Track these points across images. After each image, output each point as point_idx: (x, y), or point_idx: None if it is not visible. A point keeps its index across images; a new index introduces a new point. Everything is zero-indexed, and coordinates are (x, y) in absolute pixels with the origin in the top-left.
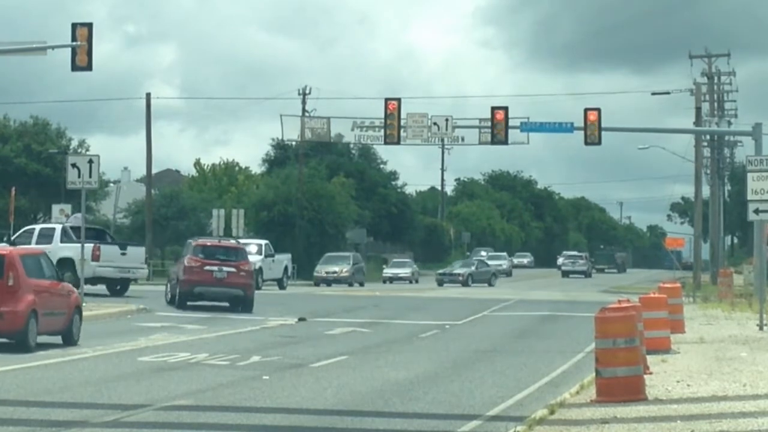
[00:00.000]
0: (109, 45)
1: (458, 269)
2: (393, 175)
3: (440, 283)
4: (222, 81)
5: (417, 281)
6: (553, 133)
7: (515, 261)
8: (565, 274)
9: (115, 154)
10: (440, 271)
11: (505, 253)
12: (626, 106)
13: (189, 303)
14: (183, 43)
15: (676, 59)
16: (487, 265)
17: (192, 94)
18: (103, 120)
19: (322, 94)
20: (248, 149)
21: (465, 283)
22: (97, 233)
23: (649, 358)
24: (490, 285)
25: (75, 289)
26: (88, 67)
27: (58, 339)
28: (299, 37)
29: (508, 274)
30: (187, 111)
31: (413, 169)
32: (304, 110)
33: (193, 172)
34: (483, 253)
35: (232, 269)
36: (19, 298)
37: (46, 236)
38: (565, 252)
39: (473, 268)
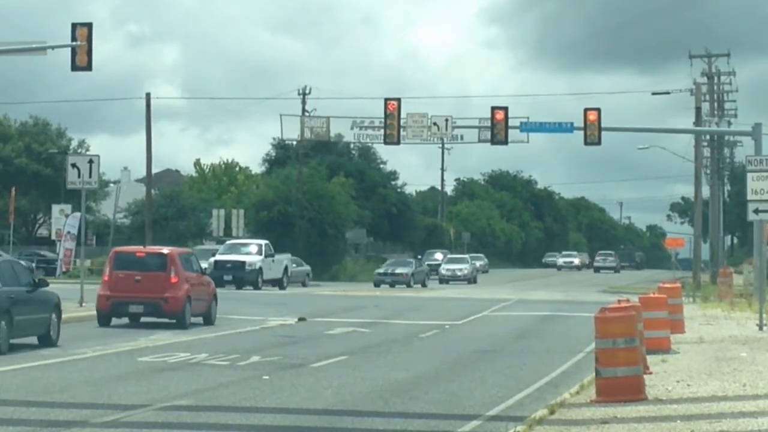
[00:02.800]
0: (112, 45)
1: (400, 269)
2: (393, 175)
3: (377, 284)
4: (225, 81)
5: (305, 284)
6: (553, 133)
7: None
8: (597, 269)
9: (117, 154)
10: (379, 270)
11: (467, 256)
12: (631, 105)
13: None
14: (186, 43)
15: (682, 59)
16: (422, 266)
17: (194, 94)
18: (104, 120)
19: (325, 93)
20: (250, 149)
21: (408, 284)
22: None
23: (649, 358)
24: (424, 286)
25: (212, 281)
26: (88, 67)
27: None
28: (303, 36)
29: (470, 280)
30: (189, 111)
31: (414, 169)
32: (303, 110)
33: (193, 172)
34: (438, 256)
35: None
36: (178, 287)
37: None
38: (564, 251)
39: (413, 267)
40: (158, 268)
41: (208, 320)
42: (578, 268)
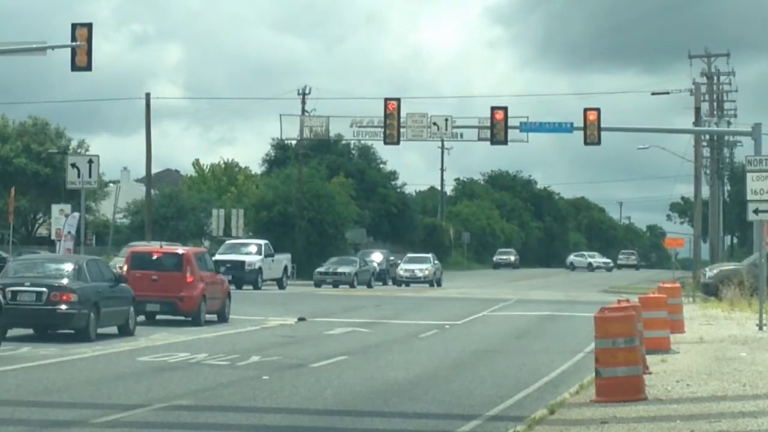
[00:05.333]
0: (114, 44)
1: (342, 268)
2: (393, 175)
3: (318, 284)
4: (229, 80)
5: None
6: (554, 133)
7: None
8: (620, 266)
9: (119, 154)
10: (320, 269)
11: (430, 255)
12: (634, 105)
13: None
14: (189, 43)
15: (686, 58)
16: (367, 265)
17: (198, 94)
18: (106, 120)
19: (330, 93)
20: (252, 149)
21: (351, 284)
22: None
23: (649, 358)
24: (369, 286)
25: (226, 279)
26: (88, 67)
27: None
28: (306, 36)
29: (432, 283)
30: (192, 110)
31: (414, 169)
32: (303, 110)
33: (192, 172)
34: (377, 256)
35: None
36: (194, 287)
37: None
38: (587, 252)
39: (356, 267)
40: (174, 268)
41: (222, 318)
42: (609, 269)
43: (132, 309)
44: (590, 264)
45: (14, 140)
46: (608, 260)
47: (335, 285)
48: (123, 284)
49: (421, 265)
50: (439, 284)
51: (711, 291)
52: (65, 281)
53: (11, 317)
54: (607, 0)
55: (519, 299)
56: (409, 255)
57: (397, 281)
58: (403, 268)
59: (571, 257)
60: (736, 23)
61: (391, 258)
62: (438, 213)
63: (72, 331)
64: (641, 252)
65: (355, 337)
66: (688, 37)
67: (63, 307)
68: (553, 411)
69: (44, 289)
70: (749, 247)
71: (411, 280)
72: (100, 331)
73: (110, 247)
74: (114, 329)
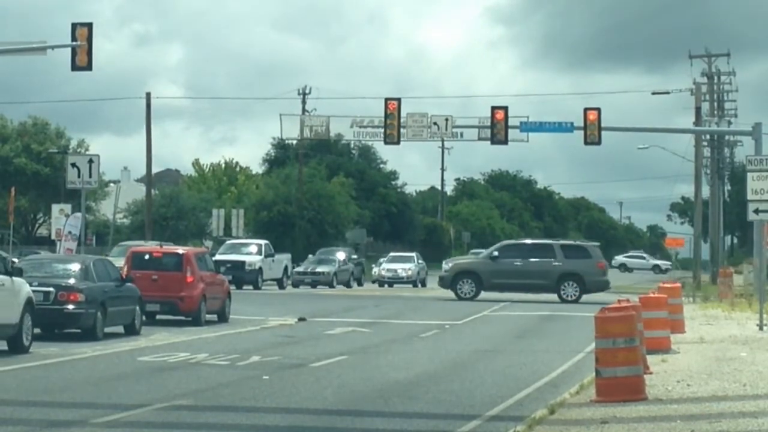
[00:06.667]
0: (116, 44)
1: (321, 267)
2: (393, 175)
3: (296, 285)
4: (231, 80)
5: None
6: (554, 133)
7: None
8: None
9: (119, 154)
10: (298, 269)
11: (414, 254)
12: (636, 105)
13: None
14: (190, 42)
15: (688, 58)
16: (347, 264)
17: (200, 94)
18: (108, 120)
19: (332, 93)
20: (254, 148)
21: (330, 284)
22: None
23: (649, 358)
24: (347, 286)
25: (226, 279)
26: (88, 67)
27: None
28: (308, 35)
29: (415, 283)
30: (194, 110)
31: (415, 169)
32: (304, 109)
33: (192, 171)
34: (340, 255)
35: None
36: (194, 287)
37: None
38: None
39: (336, 266)
40: (174, 268)
41: (223, 318)
42: (665, 271)
43: (138, 308)
44: (656, 266)
45: (14, 140)
46: (668, 262)
47: (313, 285)
48: (129, 284)
49: (405, 265)
50: (423, 284)
51: (446, 284)
52: (72, 281)
53: None
54: (608, 0)
55: (519, 299)
56: (392, 254)
57: (380, 282)
58: (386, 268)
59: (621, 258)
60: (737, 23)
61: (354, 257)
62: (438, 213)
63: (79, 331)
64: (649, 252)
65: (355, 337)
66: (689, 37)
67: (70, 306)
68: (553, 411)
69: (51, 289)
70: (749, 247)
71: (394, 280)
72: (106, 330)
73: (110, 248)
74: (120, 328)
